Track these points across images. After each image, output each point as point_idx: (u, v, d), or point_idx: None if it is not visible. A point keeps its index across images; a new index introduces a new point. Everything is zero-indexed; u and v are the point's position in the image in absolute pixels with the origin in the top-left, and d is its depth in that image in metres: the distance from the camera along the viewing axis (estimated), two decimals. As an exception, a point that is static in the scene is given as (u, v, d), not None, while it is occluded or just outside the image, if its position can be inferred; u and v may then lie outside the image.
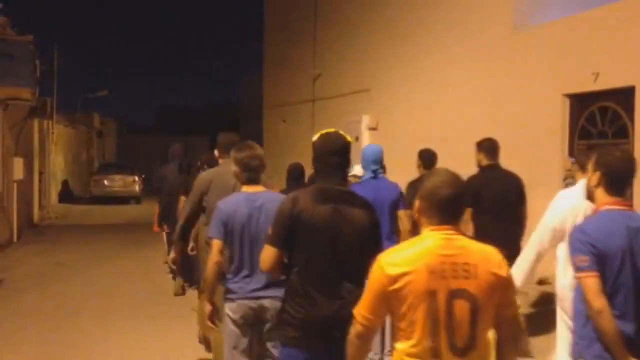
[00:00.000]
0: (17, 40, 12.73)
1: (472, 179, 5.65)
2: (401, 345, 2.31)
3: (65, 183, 25.14)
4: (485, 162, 5.87)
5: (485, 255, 2.35)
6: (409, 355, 2.28)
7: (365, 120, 12.99)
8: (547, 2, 9.19)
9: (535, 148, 8.73)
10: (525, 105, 8.96)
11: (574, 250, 2.88)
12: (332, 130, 3.37)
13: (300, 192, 3.19)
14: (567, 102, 8.42)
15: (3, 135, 12.47)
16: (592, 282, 2.76)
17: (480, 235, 5.24)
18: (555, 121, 8.48)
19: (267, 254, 3.10)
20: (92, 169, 29.59)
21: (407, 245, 2.42)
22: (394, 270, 2.28)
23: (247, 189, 3.83)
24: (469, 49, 10.15)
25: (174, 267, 5.37)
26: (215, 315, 3.85)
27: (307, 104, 16.31)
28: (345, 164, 3.26)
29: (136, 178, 24.80)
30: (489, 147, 5.94)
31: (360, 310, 2.38)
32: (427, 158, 6.47)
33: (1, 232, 12.14)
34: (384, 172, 5.72)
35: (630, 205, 2.98)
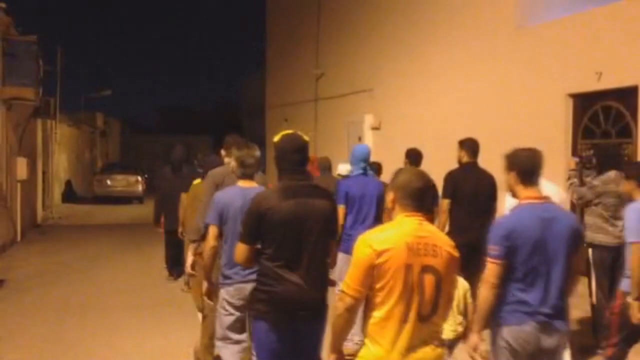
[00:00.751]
0: (20, 40, 12.74)
1: (452, 173, 6.21)
2: (377, 313, 2.73)
3: (68, 183, 25.18)
4: (465, 159, 6.25)
5: (444, 239, 2.88)
6: (383, 319, 2.71)
7: (368, 120, 12.99)
8: (550, 2, 9.18)
9: (539, 147, 8.70)
10: (528, 105, 8.95)
11: (490, 240, 3.34)
12: (291, 131, 3.71)
13: (267, 191, 3.68)
14: (571, 101, 8.41)
15: (6, 135, 12.49)
16: (493, 267, 3.27)
17: (455, 224, 5.94)
18: (559, 120, 8.47)
19: (240, 250, 3.51)
20: (95, 168, 29.64)
21: (387, 227, 2.87)
22: (379, 247, 2.70)
23: (242, 183, 4.25)
24: (473, 49, 10.14)
25: (192, 272, 5.29)
26: (213, 293, 4.32)
27: (309, 103, 16.32)
28: (305, 161, 3.62)
29: (139, 178, 24.82)
30: (471, 146, 6.32)
31: (351, 284, 2.74)
32: (414, 157, 6.94)
33: (5, 231, 12.16)
34: (380, 171, 6.33)
35: (545, 198, 3.40)
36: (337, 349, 2.90)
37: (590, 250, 5.79)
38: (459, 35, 10.50)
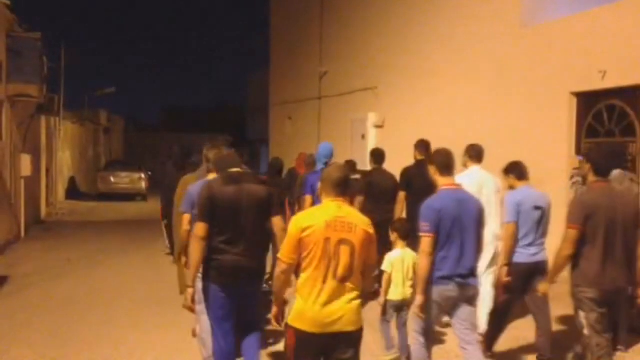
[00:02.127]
0: (25, 37, 12.77)
1: (407, 169, 7.33)
2: (304, 275, 3.48)
3: (72, 180, 25.22)
4: (418, 157, 7.25)
5: (361, 219, 3.58)
6: (308, 279, 3.46)
7: (372, 118, 12.99)
8: (553, 0, 9.16)
9: (543, 146, 8.71)
10: (532, 103, 8.94)
11: (421, 218, 4.28)
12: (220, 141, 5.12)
13: (212, 180, 4.65)
14: (575, 100, 8.40)
15: (11, 132, 12.52)
16: (426, 240, 4.21)
17: (409, 213, 6.87)
18: (563, 119, 8.46)
19: (199, 227, 4.40)
20: (99, 165, 29.68)
21: (313, 209, 3.75)
22: (304, 224, 3.47)
23: (210, 176, 5.08)
24: (477, 47, 10.13)
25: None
26: (188, 263, 4.96)
27: (313, 101, 16.32)
28: (246, 156, 4.75)
29: (142, 175, 24.86)
30: (423, 145, 7.45)
31: (284, 253, 3.51)
32: (379, 155, 8.01)
33: (9, 228, 12.20)
34: (355, 167, 7.98)
35: (458, 185, 4.42)
36: (278, 302, 3.71)
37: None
38: (463, 33, 10.48)
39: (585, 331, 4.32)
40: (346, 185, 3.61)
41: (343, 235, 3.45)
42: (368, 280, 3.68)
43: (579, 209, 4.32)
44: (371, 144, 12.64)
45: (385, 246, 5.63)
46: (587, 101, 8.30)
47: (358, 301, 3.53)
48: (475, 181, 5.83)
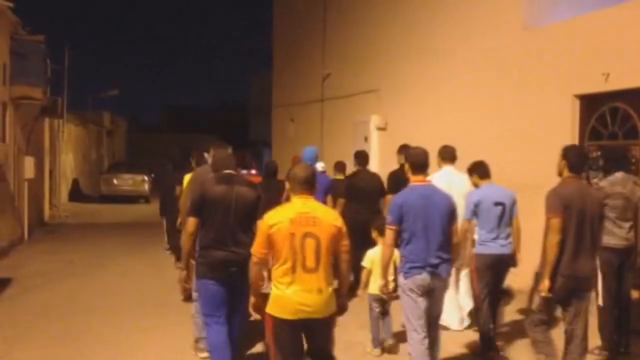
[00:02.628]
0: (28, 39, 12.80)
1: (393, 173, 8.02)
2: (275, 267, 3.83)
3: (75, 182, 25.27)
4: (402, 161, 7.39)
5: (327, 213, 3.98)
6: (279, 271, 3.80)
7: (374, 121, 12.97)
8: (557, 2, 9.15)
9: (546, 148, 8.69)
10: (535, 106, 8.93)
11: (388, 211, 4.72)
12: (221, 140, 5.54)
13: (206, 179, 4.94)
14: (578, 102, 8.38)
15: (14, 134, 12.55)
16: (388, 232, 4.66)
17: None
18: (566, 122, 8.44)
19: (190, 222, 4.78)
20: (102, 167, 29.72)
21: (281, 207, 4.03)
22: (271, 222, 3.82)
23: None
24: (479, 49, 10.12)
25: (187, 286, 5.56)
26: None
27: (315, 103, 16.32)
28: (239, 160, 4.89)
29: (145, 177, 24.87)
30: (362, 155, 8.54)
31: (256, 248, 3.90)
32: (362, 157, 8.60)
33: (12, 230, 12.22)
34: (344, 169, 8.78)
35: (427, 181, 4.83)
36: (254, 293, 4.06)
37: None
38: (466, 35, 10.48)
39: (536, 308, 4.85)
40: (311, 183, 3.97)
41: (307, 229, 3.79)
42: (346, 269, 4.03)
43: (558, 199, 4.65)
44: (374, 146, 12.63)
45: (370, 244, 6.04)
46: (591, 103, 8.28)
47: (328, 291, 3.86)
48: (445, 182, 6.14)
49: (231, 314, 4.86)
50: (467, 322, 6.66)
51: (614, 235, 5.65)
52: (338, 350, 5.10)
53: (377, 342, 5.88)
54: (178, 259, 9.23)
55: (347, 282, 4.13)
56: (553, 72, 8.64)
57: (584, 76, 8.14)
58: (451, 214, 4.66)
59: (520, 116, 9.19)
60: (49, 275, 9.54)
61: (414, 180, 4.74)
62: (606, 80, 7.74)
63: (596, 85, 7.91)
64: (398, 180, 7.15)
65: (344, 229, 3.95)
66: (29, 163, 13.38)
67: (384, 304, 5.84)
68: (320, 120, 16.07)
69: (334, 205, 7.60)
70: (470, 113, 10.29)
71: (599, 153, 7.44)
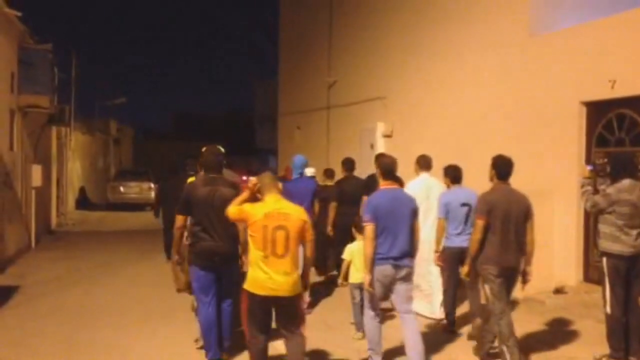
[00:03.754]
0: (36, 48, 12.88)
1: (371, 177, 8.53)
2: (252, 253, 4.77)
3: (82, 190, 25.35)
4: (344, 174, 9.43)
5: (296, 210, 4.86)
6: (255, 256, 4.72)
7: (380, 128, 12.99)
8: (563, 9, 9.15)
9: (553, 155, 8.68)
10: (542, 113, 8.92)
11: (364, 211, 5.55)
12: (213, 145, 6.00)
13: (195, 181, 5.92)
14: (584, 109, 8.37)
15: (22, 142, 12.62)
16: (368, 227, 5.30)
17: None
18: (573, 129, 8.43)
19: (178, 219, 5.68)
20: (108, 175, 29.80)
21: (259, 203, 4.86)
22: (251, 214, 4.77)
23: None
24: (486, 56, 10.13)
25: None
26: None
27: (322, 111, 16.35)
28: (223, 163, 5.88)
29: (152, 185, 24.90)
30: (349, 162, 9.51)
31: (232, 209, 4.95)
32: (349, 163, 9.55)
33: (19, 238, 12.27)
34: (333, 176, 9.80)
35: (396, 186, 5.67)
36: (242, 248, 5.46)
37: (604, 259, 5.74)
38: (471, 43, 10.49)
39: (490, 300, 5.52)
40: (277, 186, 4.95)
41: (279, 222, 4.70)
42: (310, 253, 4.96)
43: (483, 204, 5.58)
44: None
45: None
46: (597, 110, 8.27)
47: (295, 274, 4.77)
48: (424, 186, 7.10)
49: (221, 300, 5.69)
50: (437, 309, 7.16)
51: (621, 242, 5.62)
52: (318, 331, 6.59)
53: (360, 327, 6.35)
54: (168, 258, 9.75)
55: (310, 263, 5.11)
56: (559, 79, 8.64)
57: (590, 83, 8.13)
58: (414, 213, 5.46)
59: (527, 123, 9.18)
60: (56, 283, 9.57)
61: (384, 184, 5.55)
62: (612, 87, 7.73)
63: (603, 92, 7.90)
64: (372, 185, 7.82)
65: (309, 222, 4.92)
66: (36, 171, 13.44)
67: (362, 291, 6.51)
68: (326, 127, 16.10)
69: (320, 208, 8.26)
70: (476, 120, 10.28)
71: (606, 160, 7.40)
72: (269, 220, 4.67)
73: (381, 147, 12.74)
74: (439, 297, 7.08)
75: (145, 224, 19.11)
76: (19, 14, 11.46)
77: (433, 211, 6.88)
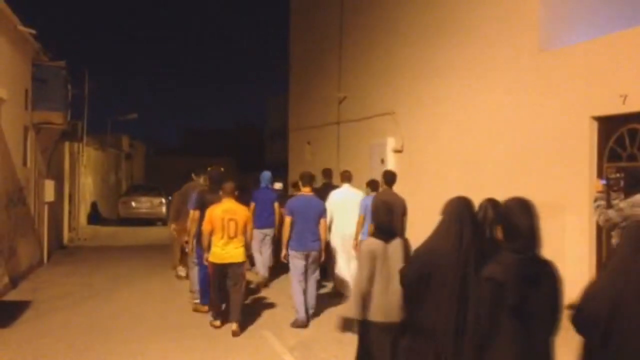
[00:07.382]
0: (50, 65, 13.04)
1: (323, 187, 10.53)
2: (214, 235, 7.50)
3: (94, 205, 25.49)
4: (323, 180, 11.13)
5: (242, 209, 7.74)
6: (216, 237, 7.48)
7: (391, 143, 13.00)
8: (574, 24, 9.16)
9: (564, 170, 8.64)
10: (553, 128, 8.89)
11: (285, 210, 8.14)
12: (217, 165, 8.85)
13: (205, 189, 8.58)
14: (596, 124, 8.35)
15: (35, 158, 12.74)
16: (287, 219, 7.98)
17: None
18: (584, 144, 8.40)
19: (194, 215, 8.25)
20: (120, 191, 29.96)
21: (219, 204, 7.61)
22: (212, 212, 7.54)
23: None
24: (496, 72, 10.13)
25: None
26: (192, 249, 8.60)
27: (332, 126, 16.39)
28: (223, 179, 8.14)
29: (163, 200, 25.01)
30: (327, 172, 11.29)
31: (205, 226, 7.56)
32: (328, 172, 11.34)
33: (32, 253, 12.34)
34: (277, 186, 11.90)
35: (311, 192, 8.18)
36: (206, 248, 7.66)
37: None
38: (482, 58, 10.50)
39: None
40: (233, 193, 7.65)
41: (230, 216, 7.46)
42: (250, 235, 7.81)
43: (380, 203, 6.42)
44: (390, 168, 12.61)
45: None
46: (608, 125, 8.24)
47: (241, 248, 7.54)
48: (344, 193, 9.37)
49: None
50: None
51: (635, 257, 5.58)
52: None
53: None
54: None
55: (250, 242, 7.97)
56: (570, 94, 8.62)
57: (601, 98, 8.11)
58: (321, 212, 8.05)
59: (537, 138, 9.16)
60: (68, 298, 9.60)
61: (302, 190, 8.20)
62: (624, 103, 7.70)
63: (614, 107, 7.88)
64: (320, 193, 9.56)
65: (250, 217, 7.86)
66: (49, 187, 13.54)
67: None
68: (336, 142, 16.13)
69: (282, 214, 9.62)
70: (487, 135, 10.27)
71: (619, 174, 7.35)
72: (225, 214, 7.44)
73: (392, 161, 12.74)
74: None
75: (156, 238, 19.17)
76: (34, 31, 11.61)
77: (354, 212, 8.87)
